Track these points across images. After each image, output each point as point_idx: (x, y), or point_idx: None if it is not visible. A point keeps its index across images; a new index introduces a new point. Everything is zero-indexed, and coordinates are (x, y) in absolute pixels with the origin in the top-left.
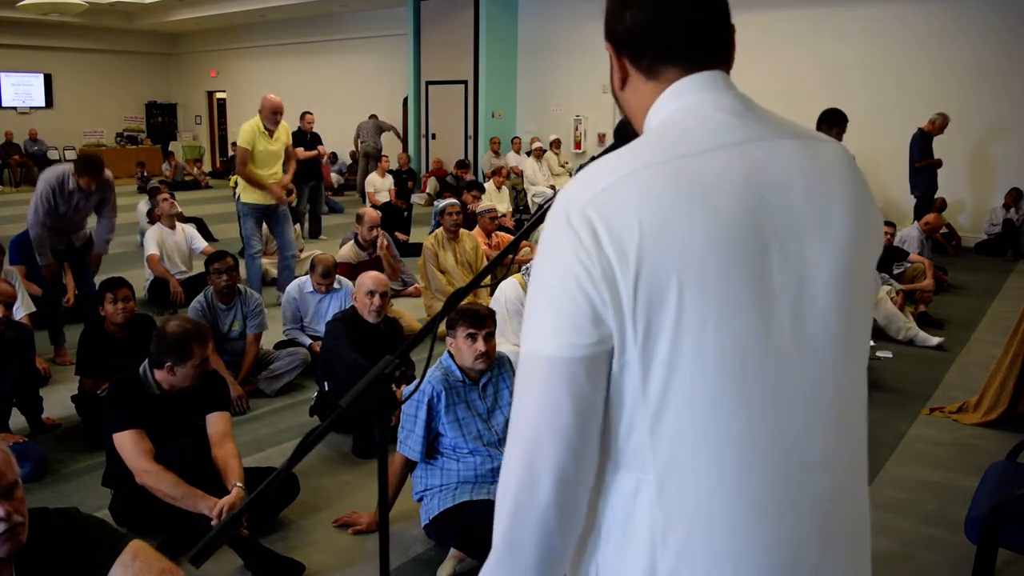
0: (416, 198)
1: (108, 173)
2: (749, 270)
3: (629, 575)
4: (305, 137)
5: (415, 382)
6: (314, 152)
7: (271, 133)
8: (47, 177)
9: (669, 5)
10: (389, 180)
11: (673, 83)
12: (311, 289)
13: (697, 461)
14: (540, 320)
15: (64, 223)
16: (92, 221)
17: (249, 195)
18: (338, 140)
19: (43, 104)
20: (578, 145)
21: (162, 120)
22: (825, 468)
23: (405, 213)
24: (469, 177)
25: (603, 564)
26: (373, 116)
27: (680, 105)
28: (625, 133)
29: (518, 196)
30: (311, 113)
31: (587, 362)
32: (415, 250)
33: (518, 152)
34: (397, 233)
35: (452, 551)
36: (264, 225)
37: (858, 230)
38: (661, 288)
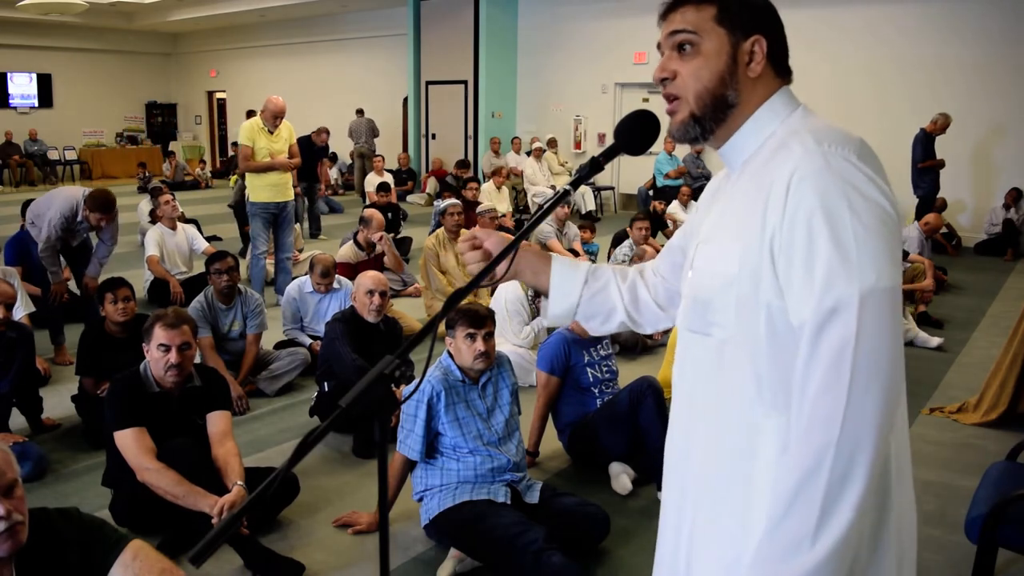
0: (416, 198)
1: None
2: None
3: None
4: (312, 147)
5: (415, 382)
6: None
7: (272, 132)
8: (60, 207)
9: None
10: (389, 179)
11: (785, 85)
12: (311, 289)
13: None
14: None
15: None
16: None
17: (258, 195)
18: (338, 140)
19: (43, 104)
20: (578, 145)
21: (162, 120)
22: None
23: (389, 215)
24: (469, 176)
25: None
26: (360, 111)
27: (803, 103)
28: (625, 133)
29: (518, 196)
30: (328, 133)
31: None
32: (407, 244)
33: (518, 152)
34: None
35: (452, 551)
36: None
37: None
38: None
